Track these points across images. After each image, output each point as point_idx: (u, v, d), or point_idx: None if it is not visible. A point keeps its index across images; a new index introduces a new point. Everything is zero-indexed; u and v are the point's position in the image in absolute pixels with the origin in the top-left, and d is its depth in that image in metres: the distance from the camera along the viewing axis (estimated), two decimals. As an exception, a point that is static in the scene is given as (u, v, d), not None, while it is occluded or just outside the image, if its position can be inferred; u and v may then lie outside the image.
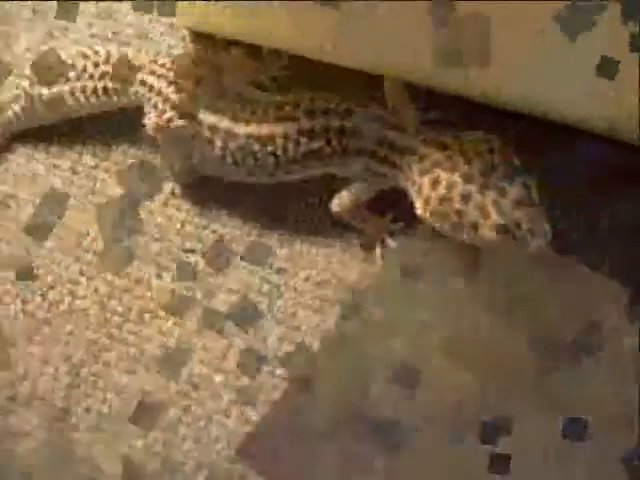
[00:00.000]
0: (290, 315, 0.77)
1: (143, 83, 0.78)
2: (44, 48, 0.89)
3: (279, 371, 0.76)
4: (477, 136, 0.70)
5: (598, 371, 0.72)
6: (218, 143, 0.74)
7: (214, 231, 0.81)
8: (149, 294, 0.80)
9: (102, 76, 0.80)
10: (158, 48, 0.87)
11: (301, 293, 0.78)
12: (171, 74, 0.77)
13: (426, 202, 0.68)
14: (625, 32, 0.63)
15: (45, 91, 0.81)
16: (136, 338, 0.79)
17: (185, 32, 0.87)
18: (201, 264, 0.80)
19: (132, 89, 0.79)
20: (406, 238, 0.77)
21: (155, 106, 0.77)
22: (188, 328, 0.78)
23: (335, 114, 0.73)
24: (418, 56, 0.73)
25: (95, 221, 0.82)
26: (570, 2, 0.62)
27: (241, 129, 0.74)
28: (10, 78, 0.86)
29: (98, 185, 0.84)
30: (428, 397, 0.73)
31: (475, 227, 0.67)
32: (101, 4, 0.90)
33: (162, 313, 0.79)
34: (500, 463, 0.71)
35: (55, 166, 0.85)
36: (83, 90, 0.80)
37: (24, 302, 0.81)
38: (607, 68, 0.65)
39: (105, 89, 0.80)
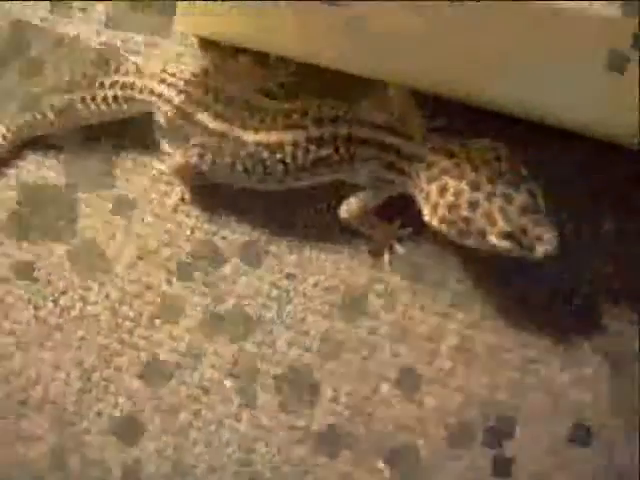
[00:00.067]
0: (299, 320, 0.78)
1: (153, 91, 0.79)
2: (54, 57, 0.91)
3: (289, 375, 0.77)
4: (484, 144, 0.71)
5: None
6: (228, 151, 0.75)
7: (223, 237, 0.81)
8: (159, 300, 0.81)
9: (112, 85, 0.81)
10: (167, 56, 0.88)
11: (310, 298, 0.79)
12: (181, 82, 0.79)
13: (434, 209, 0.70)
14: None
15: (56, 99, 0.83)
16: (147, 343, 0.79)
17: (193, 40, 0.88)
18: (211, 270, 0.81)
19: (142, 97, 0.80)
20: (414, 244, 0.79)
21: (165, 115, 0.78)
22: (199, 333, 0.79)
23: (343, 122, 0.74)
24: (424, 63, 0.74)
25: (105, 227, 0.83)
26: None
27: (250, 137, 0.75)
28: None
29: (108, 192, 0.85)
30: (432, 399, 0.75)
31: (482, 234, 0.68)
32: (110, 13, 0.91)
33: (173, 318, 0.80)
34: (503, 466, 0.72)
35: (66, 173, 0.86)
36: (94, 99, 0.81)
37: (36, 308, 0.82)
38: (616, 62, 0.65)
39: (115, 98, 0.81)
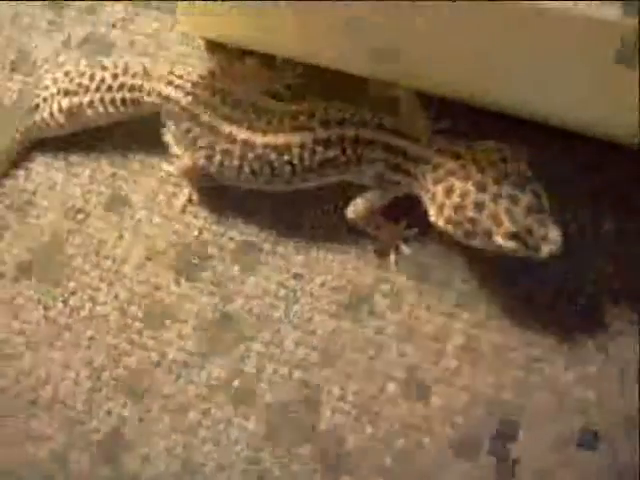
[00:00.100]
0: (306, 320, 0.79)
1: (160, 94, 0.80)
2: (61, 58, 0.91)
3: (297, 374, 0.78)
4: (489, 145, 0.72)
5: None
6: (236, 153, 0.76)
7: (231, 238, 0.82)
8: (168, 300, 0.81)
9: (120, 87, 0.81)
10: (174, 58, 0.89)
11: (317, 298, 0.79)
12: (188, 85, 0.79)
13: (440, 210, 0.70)
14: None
15: (65, 101, 0.83)
16: (156, 343, 0.80)
17: (200, 42, 0.89)
18: (219, 270, 0.82)
19: (150, 100, 0.80)
20: (419, 244, 0.79)
21: (173, 117, 0.79)
22: (207, 333, 0.80)
23: (350, 124, 0.74)
24: (429, 65, 0.75)
25: (114, 228, 0.84)
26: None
27: (258, 139, 0.75)
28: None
29: (116, 193, 0.86)
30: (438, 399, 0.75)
31: (488, 234, 0.69)
32: (117, 15, 0.92)
33: (181, 318, 0.81)
34: (507, 465, 0.73)
35: (74, 174, 0.87)
36: (102, 101, 0.82)
37: (46, 308, 0.83)
38: (626, 53, 0.65)
39: (123, 100, 0.81)
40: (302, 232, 0.82)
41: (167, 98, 0.80)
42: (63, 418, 0.80)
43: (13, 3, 0.94)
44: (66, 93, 0.83)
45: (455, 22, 0.69)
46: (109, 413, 0.79)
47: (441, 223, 0.71)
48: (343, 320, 0.78)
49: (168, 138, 0.81)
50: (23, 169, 0.88)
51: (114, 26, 0.92)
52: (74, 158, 0.87)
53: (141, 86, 0.81)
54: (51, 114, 0.84)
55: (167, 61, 0.88)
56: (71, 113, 0.84)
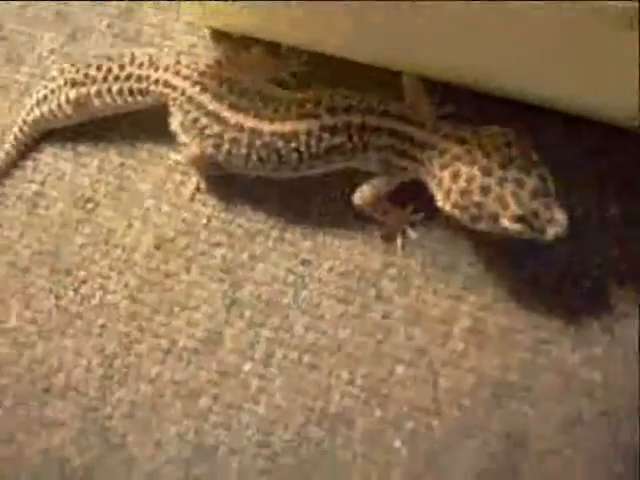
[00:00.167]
0: (315, 305, 0.80)
1: (168, 84, 0.80)
2: (67, 50, 0.92)
3: (306, 359, 0.79)
4: (494, 130, 0.72)
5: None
6: (244, 141, 0.76)
7: (240, 225, 0.83)
8: (178, 287, 0.82)
9: (127, 77, 0.82)
10: (180, 47, 0.89)
11: (325, 283, 0.80)
12: (195, 74, 0.80)
13: (447, 194, 0.71)
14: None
15: (72, 92, 0.84)
16: (166, 330, 0.81)
17: (205, 31, 0.90)
18: (228, 257, 0.83)
19: (157, 90, 0.81)
20: (426, 229, 0.80)
21: (180, 107, 0.80)
22: (217, 319, 0.81)
23: (357, 111, 0.75)
24: (434, 51, 0.75)
25: (123, 217, 0.85)
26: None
27: (265, 127, 0.76)
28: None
29: (125, 182, 0.87)
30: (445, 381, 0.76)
31: (495, 218, 0.69)
32: (122, 5, 0.92)
33: (191, 305, 0.82)
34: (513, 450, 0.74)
35: (82, 165, 0.88)
36: (109, 91, 0.83)
37: (57, 297, 0.84)
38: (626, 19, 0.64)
39: (130, 90, 0.82)
40: (309, 219, 0.82)
41: (174, 88, 0.80)
42: (76, 405, 0.81)
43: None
44: (73, 84, 0.84)
45: (458, 10, 0.69)
46: (121, 400, 0.80)
47: (448, 208, 0.72)
48: (351, 305, 0.79)
49: (175, 127, 0.81)
50: (32, 160, 0.89)
51: (119, 17, 0.93)
52: (82, 148, 0.88)
53: (148, 76, 0.81)
54: (59, 105, 0.85)
55: (173, 51, 0.89)
56: (79, 104, 0.85)
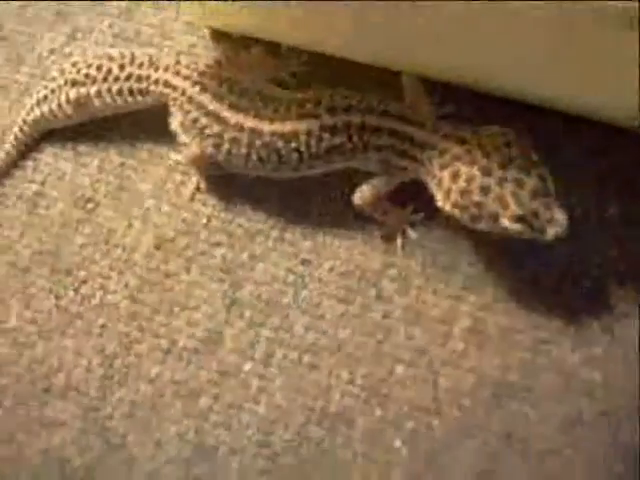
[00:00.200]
0: (315, 305, 0.80)
1: (168, 84, 0.80)
2: (67, 50, 0.92)
3: (306, 359, 0.79)
4: (494, 130, 0.72)
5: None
6: (244, 141, 0.77)
7: (240, 225, 0.83)
8: (178, 287, 0.82)
9: (128, 77, 0.82)
10: (179, 47, 0.89)
11: (325, 283, 0.80)
12: (195, 74, 0.80)
13: (446, 194, 0.71)
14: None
15: (72, 92, 0.84)
16: (166, 330, 0.81)
17: (205, 31, 0.90)
18: (228, 257, 0.83)
19: (157, 89, 0.81)
20: (426, 229, 0.80)
21: (180, 107, 0.80)
22: (217, 319, 0.81)
23: (356, 110, 0.75)
24: (434, 50, 0.75)
25: (123, 217, 0.85)
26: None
27: (265, 127, 0.76)
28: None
29: (125, 182, 0.87)
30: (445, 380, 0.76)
31: (494, 217, 0.69)
32: (122, 5, 0.92)
33: (191, 305, 0.82)
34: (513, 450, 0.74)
35: (83, 164, 0.88)
36: (109, 91, 0.83)
37: (57, 297, 0.84)
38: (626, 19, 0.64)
39: (131, 90, 0.82)
40: (310, 219, 0.82)
41: (174, 88, 0.80)
42: (77, 405, 0.81)
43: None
44: (74, 84, 0.84)
45: (458, 10, 0.69)
46: (121, 400, 0.80)
47: (448, 207, 0.72)
48: (351, 305, 0.79)
49: (176, 127, 0.81)
50: (32, 160, 0.89)
51: (119, 17, 0.93)
52: (82, 148, 0.88)
53: (148, 76, 0.81)
54: (59, 105, 0.85)
55: (173, 51, 0.89)
56: (79, 104, 0.85)
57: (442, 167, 0.72)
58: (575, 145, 0.81)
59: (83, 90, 0.84)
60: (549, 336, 0.76)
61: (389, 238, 0.81)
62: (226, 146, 0.77)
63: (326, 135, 0.75)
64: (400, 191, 0.79)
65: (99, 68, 0.83)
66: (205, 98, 0.78)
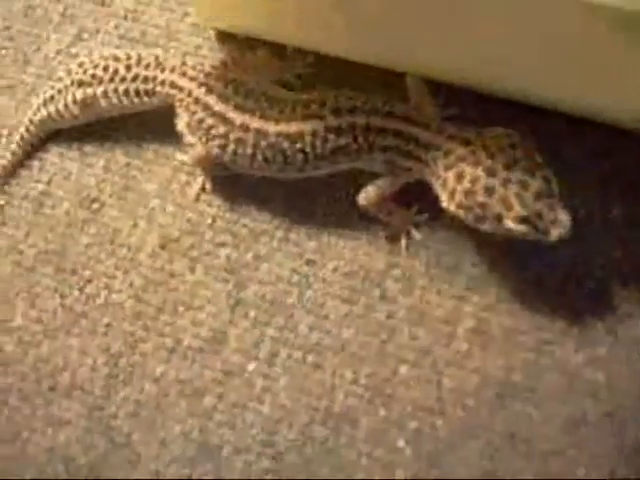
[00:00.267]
0: (319, 305, 0.80)
1: (174, 85, 0.81)
2: (74, 50, 0.92)
3: (310, 358, 0.79)
4: (498, 132, 0.73)
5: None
6: (249, 141, 0.77)
7: (244, 225, 0.84)
8: (182, 287, 0.83)
9: (134, 78, 0.82)
10: (185, 48, 0.90)
11: (330, 284, 0.81)
12: (201, 75, 0.80)
13: (451, 195, 0.71)
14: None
15: (79, 93, 0.85)
16: (171, 329, 0.82)
17: (211, 32, 0.90)
18: (232, 257, 0.83)
19: (163, 90, 0.82)
20: (430, 229, 0.81)
21: (186, 107, 0.80)
22: (221, 319, 0.81)
23: (361, 111, 0.75)
24: (439, 52, 0.76)
25: (129, 217, 0.86)
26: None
27: (271, 127, 0.76)
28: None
29: (130, 182, 0.87)
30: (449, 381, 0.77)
31: (499, 218, 0.70)
32: (128, 6, 0.93)
33: (196, 304, 0.82)
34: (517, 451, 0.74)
35: (88, 165, 0.88)
36: (115, 92, 0.83)
37: (62, 296, 0.84)
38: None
39: (137, 91, 0.83)
40: (314, 219, 0.83)
41: (180, 89, 0.81)
42: (82, 404, 0.81)
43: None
44: (80, 84, 0.85)
45: (463, 7, 0.70)
46: (126, 399, 0.81)
47: (452, 208, 0.72)
48: (355, 305, 0.80)
49: (182, 128, 0.82)
50: (38, 160, 0.90)
51: (125, 18, 0.93)
52: (88, 148, 0.89)
53: (154, 77, 0.82)
54: (65, 105, 0.86)
55: (179, 52, 0.90)
56: (85, 104, 0.85)
57: (447, 168, 0.72)
58: (579, 147, 0.81)
59: (89, 90, 0.84)
60: (553, 337, 0.76)
61: (393, 238, 0.81)
62: (232, 147, 0.78)
63: (331, 136, 0.76)
64: (405, 192, 0.79)
65: (106, 69, 0.83)
66: (211, 99, 0.79)
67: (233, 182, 0.84)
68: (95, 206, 0.87)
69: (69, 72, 0.85)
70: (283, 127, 0.76)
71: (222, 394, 0.79)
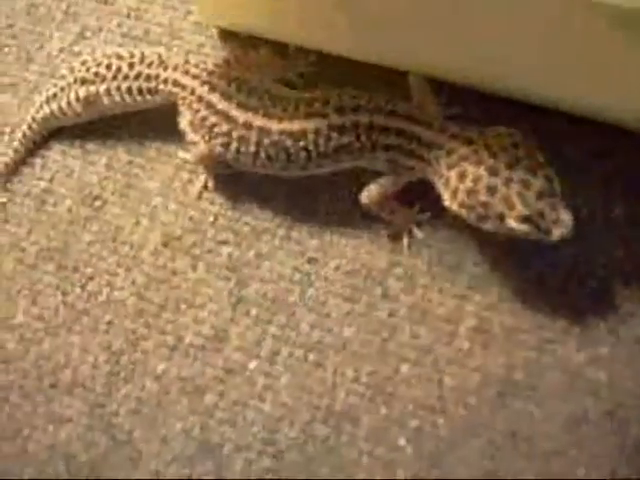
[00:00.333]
0: (321, 303, 0.80)
1: (177, 83, 0.81)
2: (76, 48, 0.93)
3: (312, 356, 0.79)
4: (501, 131, 0.73)
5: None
6: (252, 139, 0.77)
7: (247, 223, 0.84)
8: (184, 284, 0.83)
9: (137, 76, 0.83)
10: (188, 47, 0.90)
11: (332, 282, 0.81)
12: (204, 74, 0.80)
13: (453, 194, 0.71)
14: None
15: (82, 90, 0.85)
16: (173, 327, 0.82)
17: (213, 31, 0.90)
18: (234, 255, 0.83)
19: (166, 88, 0.82)
20: (432, 228, 0.81)
21: (189, 106, 0.80)
22: (223, 317, 0.81)
23: (364, 110, 0.76)
24: (441, 51, 0.76)
25: (131, 215, 0.86)
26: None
27: (274, 125, 0.77)
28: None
29: (133, 180, 0.87)
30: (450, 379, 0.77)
31: (501, 218, 0.70)
32: (131, 4, 0.93)
33: (197, 302, 0.82)
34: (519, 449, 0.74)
35: (91, 162, 0.88)
36: (118, 90, 0.83)
37: (64, 294, 0.84)
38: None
39: (140, 89, 0.83)
40: (316, 217, 0.83)
41: (183, 87, 0.81)
42: (83, 401, 0.81)
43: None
44: (83, 82, 0.85)
45: (464, 6, 0.70)
46: (127, 396, 0.81)
47: (455, 207, 0.72)
48: (357, 303, 0.80)
49: (184, 126, 0.82)
50: (40, 157, 0.90)
51: (128, 16, 0.93)
52: (91, 146, 0.89)
53: (157, 75, 0.82)
54: (68, 103, 0.86)
55: (182, 50, 0.90)
56: (88, 102, 0.85)
57: (449, 167, 0.72)
58: (581, 146, 0.81)
59: (92, 88, 0.84)
60: (554, 336, 0.76)
61: (395, 237, 0.81)
62: (235, 145, 0.78)
63: (334, 134, 0.76)
64: (407, 190, 0.79)
65: (108, 67, 0.84)
66: (214, 97, 0.79)
67: (235, 180, 0.84)
68: (97, 204, 0.87)
69: (72, 70, 0.86)
70: (286, 125, 0.76)
71: (223, 392, 0.79)
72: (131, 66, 0.83)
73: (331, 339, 0.79)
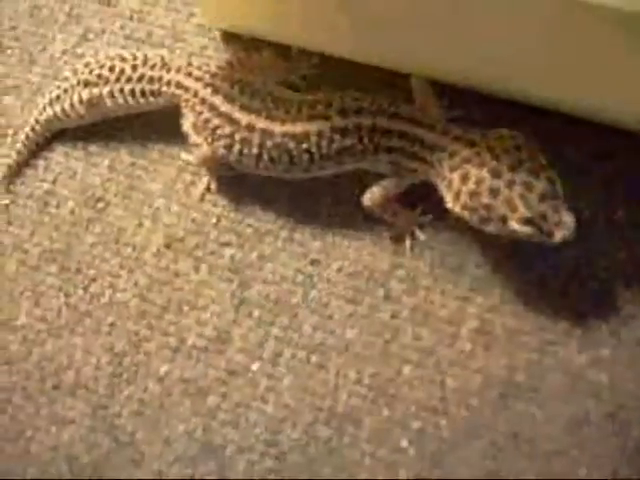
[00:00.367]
0: (323, 305, 0.81)
1: (180, 85, 0.81)
2: (79, 50, 0.93)
3: (314, 358, 0.79)
4: (503, 133, 0.73)
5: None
6: (255, 142, 0.77)
7: (249, 225, 0.84)
8: (187, 286, 0.83)
9: (140, 78, 0.83)
10: (191, 49, 0.90)
11: (334, 284, 0.81)
12: (207, 76, 0.81)
13: (456, 196, 0.72)
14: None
15: (85, 93, 0.85)
16: (175, 328, 0.82)
17: (216, 33, 0.90)
18: (237, 257, 0.83)
19: (169, 91, 0.82)
20: (434, 230, 0.81)
21: (192, 108, 0.80)
22: (225, 318, 0.82)
23: (367, 112, 0.76)
24: (443, 54, 0.76)
25: (134, 216, 0.86)
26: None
27: (277, 128, 0.77)
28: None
29: (135, 182, 0.87)
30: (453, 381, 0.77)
31: (503, 220, 0.70)
32: (134, 7, 0.93)
33: (200, 304, 0.82)
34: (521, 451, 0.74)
35: (94, 164, 0.89)
36: (121, 92, 0.83)
37: (67, 295, 0.85)
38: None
39: (143, 91, 0.83)
40: (319, 219, 0.83)
41: (186, 89, 0.81)
42: (85, 402, 0.81)
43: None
44: (86, 84, 0.85)
45: (466, 9, 0.70)
46: (130, 398, 0.81)
47: (457, 209, 0.72)
48: (359, 305, 0.80)
49: (187, 128, 0.82)
50: (43, 159, 0.90)
51: (131, 18, 0.94)
52: (93, 148, 0.89)
53: (160, 77, 0.82)
54: (71, 105, 0.86)
55: (184, 53, 0.90)
56: (91, 104, 0.85)
57: (452, 169, 0.72)
58: (583, 148, 0.81)
59: (95, 90, 0.84)
60: (556, 338, 0.77)
61: (398, 239, 0.81)
62: (237, 147, 0.78)
63: (337, 136, 0.76)
64: (409, 193, 0.79)
65: (112, 69, 0.84)
66: (217, 99, 0.79)
67: (238, 182, 0.85)
68: (100, 205, 0.87)
69: (75, 72, 0.86)
70: (289, 127, 0.77)
71: (226, 393, 0.80)
72: (134, 68, 0.83)
73: (333, 341, 0.79)
